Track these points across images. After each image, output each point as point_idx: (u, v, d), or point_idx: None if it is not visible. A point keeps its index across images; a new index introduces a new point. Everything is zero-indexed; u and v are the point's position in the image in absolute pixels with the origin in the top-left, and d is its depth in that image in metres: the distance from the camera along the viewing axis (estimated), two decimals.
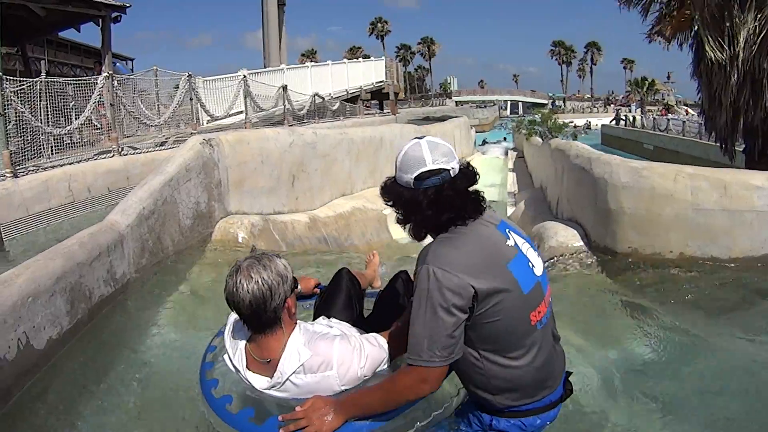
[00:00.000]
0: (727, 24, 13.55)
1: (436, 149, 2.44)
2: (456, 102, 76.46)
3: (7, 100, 9.86)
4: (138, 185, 6.85)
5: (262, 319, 2.57)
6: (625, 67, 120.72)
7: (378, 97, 34.68)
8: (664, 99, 78.03)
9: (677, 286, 6.62)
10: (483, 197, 2.53)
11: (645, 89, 79.16)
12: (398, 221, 2.59)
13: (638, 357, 4.73)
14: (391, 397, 2.40)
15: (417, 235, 2.55)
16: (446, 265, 2.28)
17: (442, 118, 31.44)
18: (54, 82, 11.79)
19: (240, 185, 8.46)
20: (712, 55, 13.64)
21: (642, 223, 7.17)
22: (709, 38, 13.65)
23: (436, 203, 2.40)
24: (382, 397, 2.41)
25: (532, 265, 2.50)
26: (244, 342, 2.75)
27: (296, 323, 2.72)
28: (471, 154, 27.06)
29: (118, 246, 5.67)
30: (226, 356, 2.85)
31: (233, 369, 2.78)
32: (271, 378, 2.64)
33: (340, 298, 3.42)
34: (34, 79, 11.29)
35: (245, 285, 2.51)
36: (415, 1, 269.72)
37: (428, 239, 2.54)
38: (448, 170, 2.42)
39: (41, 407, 3.79)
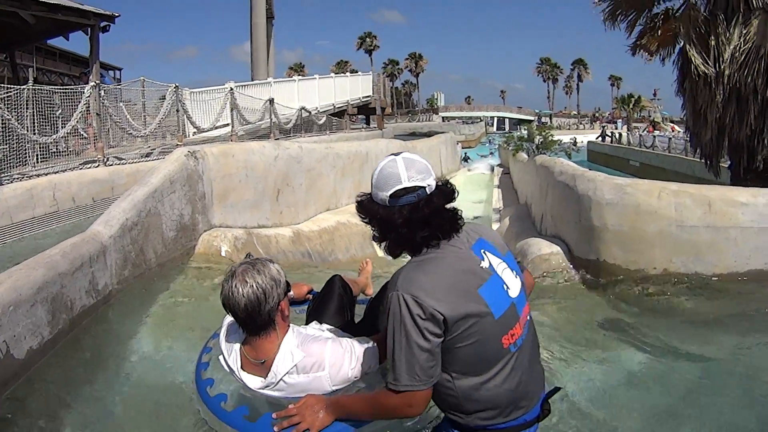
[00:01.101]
0: (713, 41, 13.72)
1: (412, 166, 2.42)
2: (443, 117, 76.71)
3: None
4: (122, 196, 6.86)
5: (257, 322, 2.64)
6: (612, 84, 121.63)
7: (365, 111, 34.68)
8: (650, 116, 78.54)
9: (660, 302, 6.69)
10: (460, 215, 2.51)
11: (631, 106, 79.63)
12: (374, 239, 2.57)
13: (622, 370, 4.76)
14: (378, 412, 2.46)
15: (392, 252, 2.52)
16: (415, 291, 2.26)
17: (429, 134, 31.55)
18: (41, 89, 11.78)
19: (224, 198, 8.48)
20: (700, 69, 13.74)
21: (626, 240, 7.21)
22: (695, 54, 13.80)
23: (411, 222, 2.37)
24: (371, 411, 2.47)
25: (507, 288, 2.46)
26: (238, 344, 2.83)
27: (289, 326, 2.80)
28: (457, 169, 27.25)
29: (101, 257, 5.69)
30: (221, 357, 2.92)
31: (228, 369, 2.87)
32: (265, 378, 2.72)
33: (332, 303, 3.51)
34: (21, 87, 11.27)
35: (240, 289, 2.58)
36: (402, 17, 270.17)
37: (405, 257, 2.54)
38: (424, 187, 2.40)
39: (20, 417, 3.78)
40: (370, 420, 2.55)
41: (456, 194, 2.53)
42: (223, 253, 7.67)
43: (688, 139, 20.11)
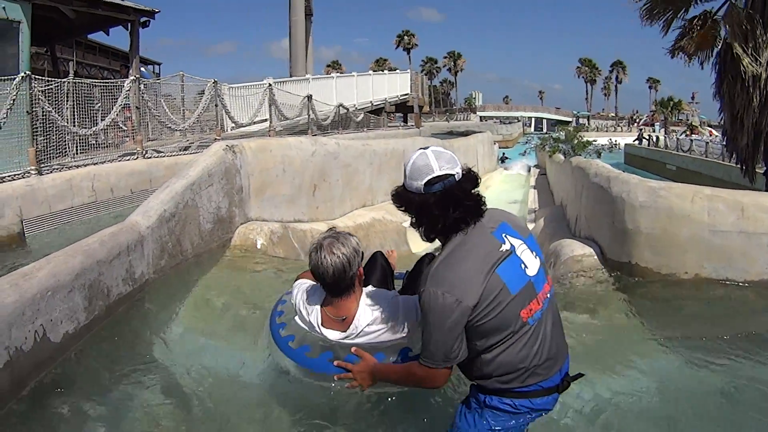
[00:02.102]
0: (751, 44, 13.52)
1: (441, 157, 2.66)
2: (480, 117, 76.33)
3: (35, 99, 9.96)
4: (160, 188, 6.89)
5: (341, 286, 3.17)
6: (650, 87, 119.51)
7: (402, 109, 34.65)
8: (688, 119, 77.57)
9: (691, 307, 6.61)
10: (484, 200, 2.74)
11: (670, 109, 78.67)
12: (411, 224, 2.82)
13: (648, 375, 4.72)
14: (408, 381, 2.94)
15: (428, 236, 2.77)
16: (444, 287, 2.53)
17: (466, 133, 31.37)
18: (81, 83, 11.91)
19: (261, 192, 8.49)
20: (749, 69, 13.55)
21: (658, 243, 7.10)
22: (741, 51, 13.61)
23: (444, 204, 2.61)
24: (403, 379, 2.99)
25: (525, 267, 2.69)
26: (318, 305, 3.35)
27: (363, 288, 3.37)
28: (494, 169, 27.07)
29: (138, 246, 5.73)
30: (297, 318, 3.51)
31: (306, 327, 3.42)
32: (345, 331, 3.26)
33: (377, 274, 3.98)
34: (62, 80, 11.40)
35: (329, 259, 3.05)
36: (440, 15, 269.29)
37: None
38: (453, 175, 2.64)
39: (54, 399, 3.83)
40: (401, 386, 3.16)
41: (479, 180, 2.79)
42: (258, 246, 7.68)
43: (725, 143, 19.90)
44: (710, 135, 54.85)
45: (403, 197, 2.74)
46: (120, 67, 23.04)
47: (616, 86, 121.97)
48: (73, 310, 4.53)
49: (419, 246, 11.84)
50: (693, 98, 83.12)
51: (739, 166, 15.31)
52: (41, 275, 4.24)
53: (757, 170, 14.77)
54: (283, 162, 9.03)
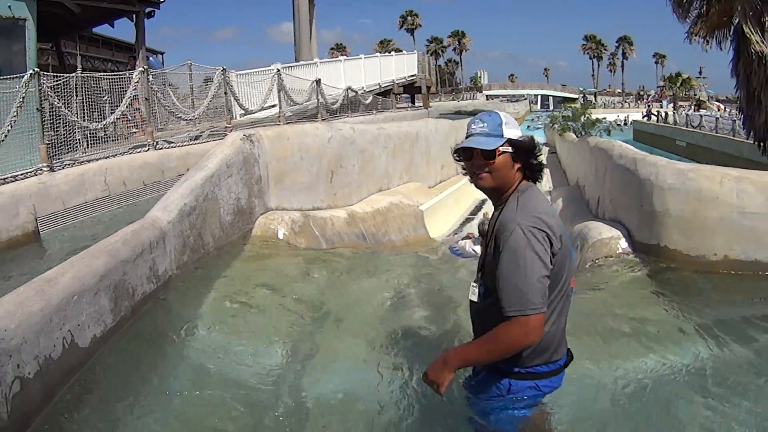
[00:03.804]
0: (767, 23, 13.44)
1: None
2: (486, 96, 76.17)
3: (44, 95, 9.81)
4: (179, 181, 6.73)
5: None
6: (656, 62, 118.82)
7: (410, 90, 34.42)
8: (695, 94, 77.10)
9: (722, 290, 6.58)
10: None
11: (678, 85, 78.13)
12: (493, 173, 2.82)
13: (683, 357, 4.69)
14: (497, 349, 2.62)
15: (509, 184, 2.84)
16: (535, 217, 2.63)
17: (474, 113, 31.23)
18: (89, 77, 11.74)
19: (280, 181, 8.33)
20: (756, 47, 13.51)
21: (687, 226, 7.14)
22: (751, 30, 13.54)
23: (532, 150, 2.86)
24: (488, 353, 2.66)
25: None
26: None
27: None
28: None
29: (160, 242, 5.56)
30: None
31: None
32: None
33: None
34: (70, 75, 11.23)
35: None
36: None
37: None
38: None
39: (84, 405, 3.73)
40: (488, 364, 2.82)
41: None
42: (280, 236, 7.52)
43: (735, 119, 19.96)
44: (718, 110, 54.51)
45: (513, 142, 2.81)
46: (128, 59, 22.82)
47: (622, 62, 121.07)
48: (100, 313, 4.38)
49: (437, 230, 11.77)
50: (700, 73, 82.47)
51: (753, 142, 15.25)
52: (66, 280, 4.09)
53: None
54: (301, 149, 8.86)
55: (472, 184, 2.96)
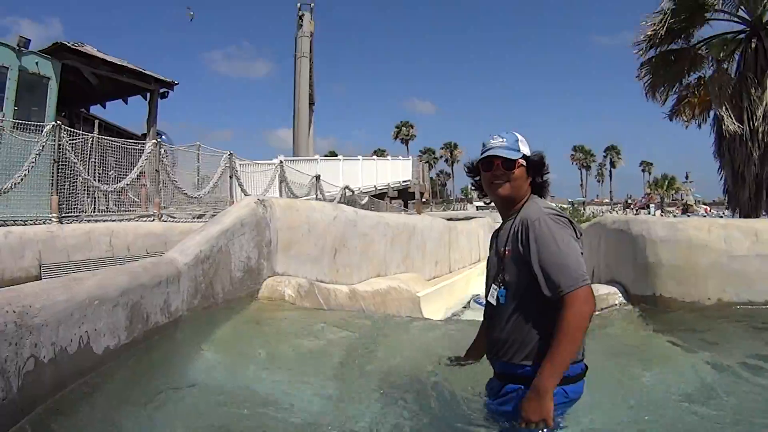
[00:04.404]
0: (745, 102, 14.15)
1: None
2: (476, 207, 76.82)
3: (62, 149, 10.06)
4: (195, 231, 6.85)
5: None
6: (643, 170, 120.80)
7: (404, 196, 35.03)
8: (683, 199, 78.42)
9: (716, 331, 6.68)
10: None
11: (665, 188, 79.42)
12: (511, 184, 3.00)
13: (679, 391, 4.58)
14: (575, 335, 2.65)
15: (519, 196, 3.02)
16: (554, 210, 2.89)
17: (467, 218, 31.77)
18: (106, 140, 12.04)
19: (288, 248, 8.42)
20: (730, 128, 14.25)
21: (680, 273, 7.46)
22: (724, 112, 14.31)
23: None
24: (570, 346, 2.65)
25: None
26: None
27: None
28: None
29: (176, 281, 5.63)
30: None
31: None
32: None
33: None
34: (88, 134, 11.54)
35: None
36: (434, 107, 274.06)
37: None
38: None
39: (85, 407, 3.75)
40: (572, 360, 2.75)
41: None
42: (286, 297, 7.55)
43: (722, 214, 20.65)
44: (706, 212, 55.32)
45: (528, 158, 3.02)
46: (142, 135, 23.30)
47: (610, 171, 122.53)
48: (116, 326, 4.44)
49: (432, 315, 11.80)
50: (687, 177, 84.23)
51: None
52: (91, 283, 4.22)
53: None
54: (308, 222, 9.00)
55: (485, 199, 3.28)
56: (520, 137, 3.03)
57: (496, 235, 3.17)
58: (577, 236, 2.81)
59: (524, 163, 2.97)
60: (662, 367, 5.10)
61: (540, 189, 3.07)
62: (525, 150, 2.99)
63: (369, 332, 6.75)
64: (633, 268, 8.02)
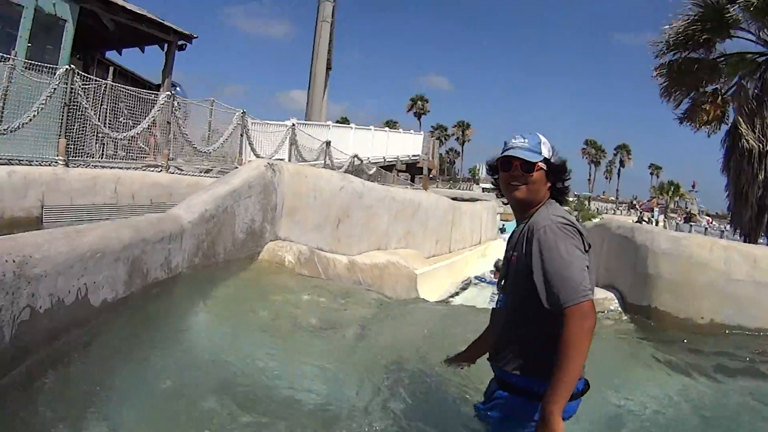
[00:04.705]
0: (758, 123, 14.20)
1: None
2: (482, 188, 76.63)
3: (74, 93, 10.00)
4: (202, 190, 6.84)
5: None
6: (651, 173, 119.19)
7: (412, 170, 34.94)
8: (687, 207, 78.32)
9: (704, 350, 6.73)
10: None
11: (670, 194, 79.33)
12: (529, 186, 2.90)
13: (653, 404, 4.78)
14: (579, 352, 2.51)
15: (536, 199, 2.91)
16: (563, 219, 2.72)
17: (472, 199, 31.71)
18: (118, 88, 11.97)
19: (292, 214, 8.41)
20: (750, 143, 14.27)
21: (677, 288, 7.49)
22: (744, 128, 14.34)
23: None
24: (575, 365, 2.51)
25: None
26: None
27: None
28: (494, 238, 27.19)
29: (178, 237, 5.62)
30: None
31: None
32: None
33: None
34: (102, 81, 11.47)
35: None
36: (449, 84, 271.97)
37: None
38: None
39: (79, 358, 3.78)
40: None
41: None
42: (286, 263, 7.57)
43: (722, 229, 20.76)
44: (708, 224, 55.30)
45: (549, 162, 2.92)
46: (157, 86, 23.20)
47: (619, 170, 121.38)
48: (115, 280, 4.43)
49: (428, 295, 11.85)
50: (693, 187, 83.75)
51: (741, 237, 15.84)
52: (94, 235, 4.19)
53: (759, 243, 15.42)
54: (315, 190, 8.98)
55: (501, 198, 3.11)
56: (543, 139, 2.93)
57: (511, 238, 3.07)
58: (584, 248, 2.69)
59: (544, 167, 2.88)
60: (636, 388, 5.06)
61: (559, 194, 2.97)
62: (546, 153, 2.89)
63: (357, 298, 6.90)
64: (632, 277, 8.04)
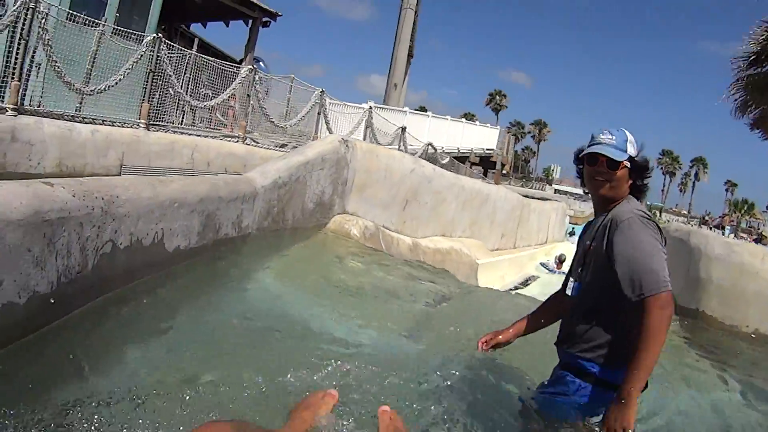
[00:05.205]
0: None
1: None
2: (555, 190, 75.57)
3: (160, 60, 10.36)
4: (277, 158, 7.09)
5: None
6: (727, 189, 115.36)
7: (485, 164, 34.80)
8: (758, 228, 75.88)
9: (746, 357, 6.75)
10: None
11: (743, 212, 77.00)
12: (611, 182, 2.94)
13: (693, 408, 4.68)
14: (658, 340, 2.55)
15: (619, 194, 2.95)
16: (646, 213, 2.79)
17: (543, 199, 31.47)
18: (202, 58, 12.31)
19: (362, 190, 8.59)
20: None
21: (726, 294, 7.55)
22: None
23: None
24: (653, 351, 2.55)
25: None
26: None
27: None
28: (561, 240, 26.88)
29: (251, 199, 5.86)
30: None
31: None
32: None
33: None
34: (186, 51, 11.83)
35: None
36: (530, 83, 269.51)
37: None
38: None
39: (151, 297, 4.01)
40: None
41: None
42: (351, 236, 7.77)
43: None
44: None
45: (633, 160, 2.94)
46: (240, 60, 23.64)
47: (693, 183, 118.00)
48: (189, 230, 4.71)
49: (488, 284, 11.85)
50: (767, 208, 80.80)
51: None
52: (174, 186, 4.46)
53: None
54: (386, 169, 9.13)
55: (583, 188, 3.15)
56: (629, 137, 2.96)
57: (587, 228, 3.18)
58: (663, 242, 2.74)
59: (628, 165, 2.91)
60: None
61: (639, 191, 3.01)
62: (632, 151, 2.92)
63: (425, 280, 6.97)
64: (684, 280, 7.99)
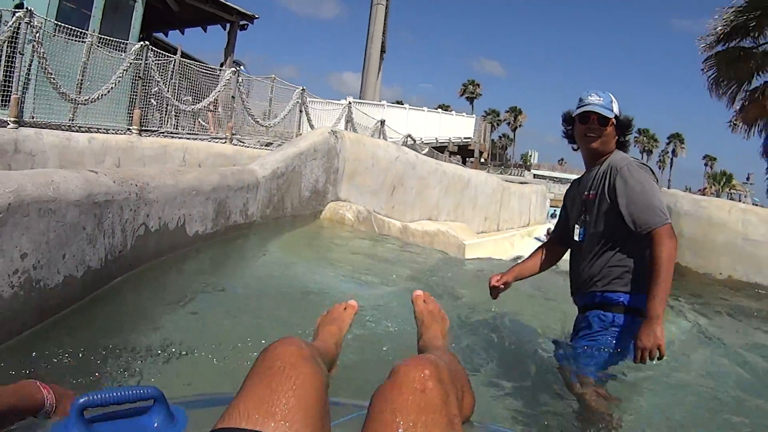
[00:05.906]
0: None
1: None
2: (534, 175, 75.70)
3: (148, 67, 10.75)
4: (273, 151, 7.54)
5: None
6: (705, 164, 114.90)
7: (463, 152, 34.98)
8: (739, 199, 76.25)
9: (720, 302, 7.00)
10: None
11: (722, 184, 77.21)
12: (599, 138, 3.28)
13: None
14: (669, 267, 2.93)
15: (607, 149, 3.29)
16: (639, 162, 3.18)
17: (523, 182, 31.97)
18: (187, 64, 12.69)
19: (352, 178, 9.04)
20: None
21: (698, 247, 8.02)
22: None
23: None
24: (666, 276, 2.91)
25: None
26: None
27: None
28: (542, 222, 27.38)
29: (254, 189, 6.32)
30: None
31: None
32: None
33: None
34: (172, 56, 12.19)
35: None
36: (503, 70, 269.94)
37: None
38: None
39: (177, 273, 4.55)
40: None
41: None
42: (346, 220, 8.23)
43: None
44: None
45: (618, 116, 3.29)
46: (221, 65, 23.88)
47: (671, 159, 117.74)
48: (205, 216, 5.18)
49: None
50: (748, 179, 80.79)
51: None
52: (191, 176, 4.93)
53: None
54: (373, 157, 9.58)
55: (579, 148, 3.45)
56: (613, 98, 3.30)
57: (577, 183, 3.51)
58: (657, 181, 3.17)
59: (615, 122, 3.24)
60: None
61: (622, 147, 3.35)
62: (616, 110, 3.25)
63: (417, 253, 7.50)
64: None
